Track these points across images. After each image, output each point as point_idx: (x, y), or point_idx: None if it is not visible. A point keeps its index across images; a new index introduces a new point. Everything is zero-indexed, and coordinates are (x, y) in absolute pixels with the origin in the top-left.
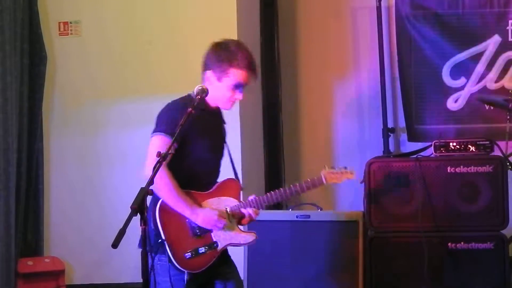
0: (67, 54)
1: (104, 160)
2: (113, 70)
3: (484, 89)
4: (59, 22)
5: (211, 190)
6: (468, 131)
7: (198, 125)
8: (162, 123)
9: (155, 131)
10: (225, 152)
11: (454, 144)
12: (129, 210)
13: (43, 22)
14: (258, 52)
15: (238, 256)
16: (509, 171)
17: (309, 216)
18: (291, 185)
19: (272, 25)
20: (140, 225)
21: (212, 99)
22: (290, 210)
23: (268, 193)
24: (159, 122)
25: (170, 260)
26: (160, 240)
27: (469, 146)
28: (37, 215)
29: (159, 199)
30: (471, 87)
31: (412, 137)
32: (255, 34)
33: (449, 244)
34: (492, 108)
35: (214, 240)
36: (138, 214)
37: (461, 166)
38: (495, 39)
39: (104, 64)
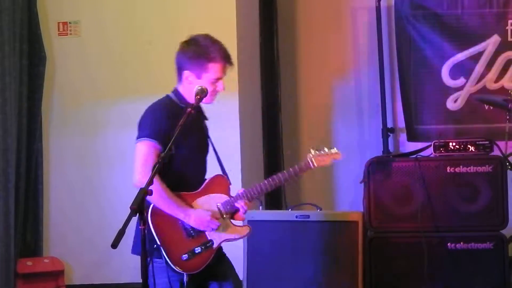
0: (67, 55)
1: (104, 160)
2: (112, 70)
3: (484, 89)
4: (58, 23)
5: (200, 189)
6: (467, 131)
7: (181, 126)
8: (145, 128)
9: (139, 137)
10: (210, 148)
11: (454, 144)
12: (129, 211)
13: (42, 23)
14: (258, 51)
15: (238, 256)
16: (508, 171)
17: (308, 216)
18: (279, 173)
19: (272, 25)
20: (139, 226)
21: (192, 97)
22: (290, 210)
23: (257, 184)
24: (142, 128)
25: (167, 264)
26: (155, 245)
27: (468, 146)
28: (37, 216)
29: (149, 204)
30: (471, 87)
31: (411, 137)
32: (255, 33)
33: (448, 244)
34: (491, 108)
35: (209, 238)
36: (138, 214)
37: (461, 166)
38: (495, 39)
39: (103, 64)
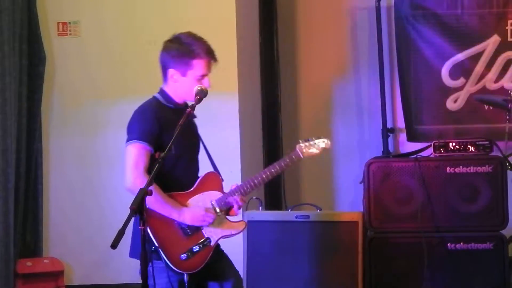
0: (66, 55)
1: (104, 160)
2: (112, 70)
3: (484, 89)
4: (58, 23)
5: (193, 188)
6: (467, 131)
7: (170, 127)
8: (134, 131)
9: (129, 139)
10: (201, 146)
11: (454, 144)
12: (129, 211)
13: (42, 23)
14: (258, 51)
15: (238, 256)
16: (508, 171)
17: (308, 217)
18: (270, 166)
19: (272, 25)
20: (139, 226)
21: (178, 96)
22: (290, 210)
23: (249, 179)
24: (131, 130)
25: (167, 265)
26: (153, 248)
27: (468, 146)
28: (36, 216)
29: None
30: (471, 87)
31: (411, 137)
32: (255, 33)
33: (448, 244)
34: (491, 108)
35: (206, 236)
36: (138, 214)
37: (461, 166)
38: (494, 39)
39: (103, 65)
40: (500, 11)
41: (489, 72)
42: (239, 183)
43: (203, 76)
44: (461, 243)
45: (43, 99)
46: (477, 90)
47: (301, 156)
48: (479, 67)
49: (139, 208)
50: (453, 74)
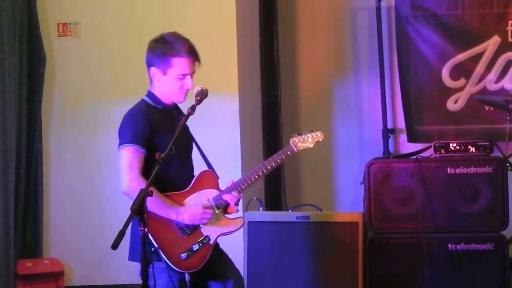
0: (66, 55)
1: (104, 160)
2: (112, 70)
3: (484, 89)
4: (58, 23)
5: (189, 188)
6: (468, 132)
7: (160, 128)
8: (125, 134)
9: (121, 143)
10: (193, 145)
11: (454, 145)
12: (129, 211)
13: (42, 23)
14: (258, 51)
15: (238, 257)
16: (509, 172)
17: (308, 217)
18: (265, 161)
19: (272, 25)
20: (140, 227)
21: (164, 96)
22: (290, 211)
23: (244, 175)
24: (123, 134)
25: (167, 266)
26: (153, 249)
27: (469, 147)
28: (36, 216)
29: None
30: (471, 88)
31: (412, 138)
32: (255, 34)
33: (449, 245)
34: (492, 109)
35: (205, 234)
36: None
37: (461, 167)
38: (495, 40)
39: (103, 65)
40: (501, 12)
41: (490, 72)
42: (235, 180)
43: (184, 75)
44: (462, 244)
45: (43, 100)
46: (478, 91)
47: (295, 150)
48: (480, 68)
49: (139, 209)
50: (454, 74)
